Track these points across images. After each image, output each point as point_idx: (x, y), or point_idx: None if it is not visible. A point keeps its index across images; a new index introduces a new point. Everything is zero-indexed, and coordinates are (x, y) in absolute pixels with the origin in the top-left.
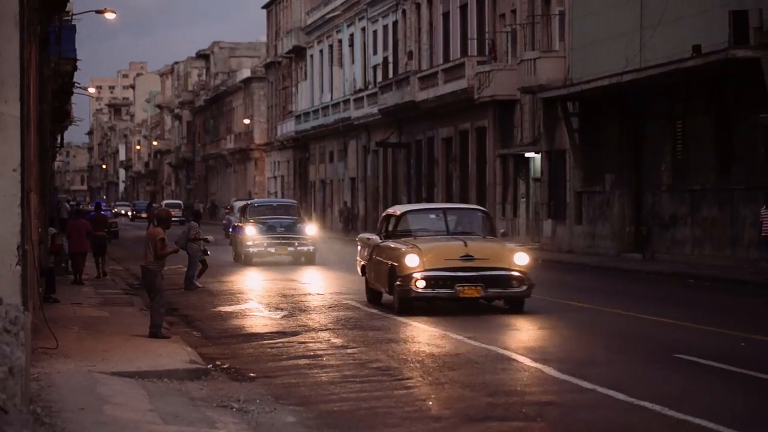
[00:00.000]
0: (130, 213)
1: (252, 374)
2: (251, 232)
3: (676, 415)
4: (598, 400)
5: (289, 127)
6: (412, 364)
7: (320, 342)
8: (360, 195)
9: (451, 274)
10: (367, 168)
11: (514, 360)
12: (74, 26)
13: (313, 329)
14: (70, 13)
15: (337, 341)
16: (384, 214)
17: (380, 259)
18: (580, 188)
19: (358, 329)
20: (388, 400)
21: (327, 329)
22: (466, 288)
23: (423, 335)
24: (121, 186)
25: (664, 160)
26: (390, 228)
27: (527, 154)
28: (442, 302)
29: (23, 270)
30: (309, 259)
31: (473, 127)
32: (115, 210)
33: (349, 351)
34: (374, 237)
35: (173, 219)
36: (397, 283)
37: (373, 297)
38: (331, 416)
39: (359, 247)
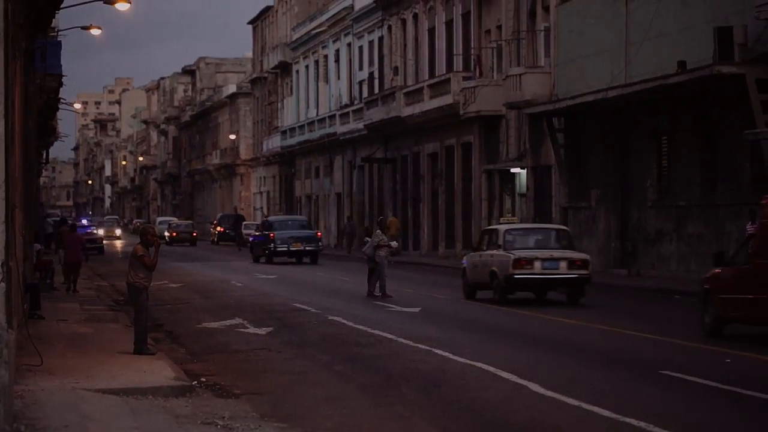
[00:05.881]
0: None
1: (237, 391)
2: None
3: None
4: (583, 417)
5: (275, 143)
6: (397, 381)
7: (306, 359)
8: (346, 210)
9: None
10: (353, 183)
11: (499, 377)
12: (60, 42)
13: (299, 346)
14: (56, 29)
15: (323, 358)
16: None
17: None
18: (565, 204)
19: (345, 346)
20: (372, 418)
21: (313, 346)
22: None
23: (408, 352)
24: (107, 201)
25: (649, 175)
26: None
27: (513, 170)
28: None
29: (7, 286)
30: None
31: (459, 143)
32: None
33: (335, 368)
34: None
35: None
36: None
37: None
38: None
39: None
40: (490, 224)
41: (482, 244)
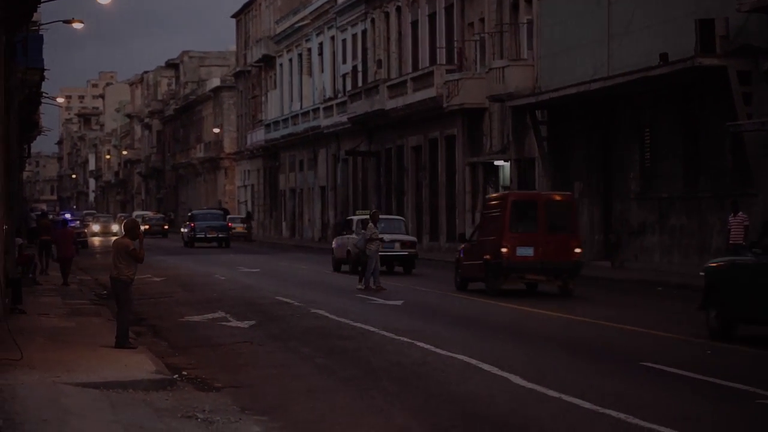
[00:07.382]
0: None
1: (218, 384)
2: None
3: (641, 423)
4: (563, 409)
5: (258, 136)
6: (379, 374)
7: (288, 352)
8: (330, 203)
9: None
10: (337, 176)
11: (480, 369)
12: (41, 36)
13: (281, 339)
14: (38, 23)
15: (305, 351)
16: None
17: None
18: None
19: (327, 339)
20: (354, 410)
21: (295, 338)
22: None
23: (390, 345)
24: (91, 196)
25: (632, 168)
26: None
27: (496, 163)
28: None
29: None
30: None
31: (442, 136)
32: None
33: (317, 361)
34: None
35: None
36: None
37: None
38: (297, 426)
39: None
40: (473, 217)
41: (344, 230)
